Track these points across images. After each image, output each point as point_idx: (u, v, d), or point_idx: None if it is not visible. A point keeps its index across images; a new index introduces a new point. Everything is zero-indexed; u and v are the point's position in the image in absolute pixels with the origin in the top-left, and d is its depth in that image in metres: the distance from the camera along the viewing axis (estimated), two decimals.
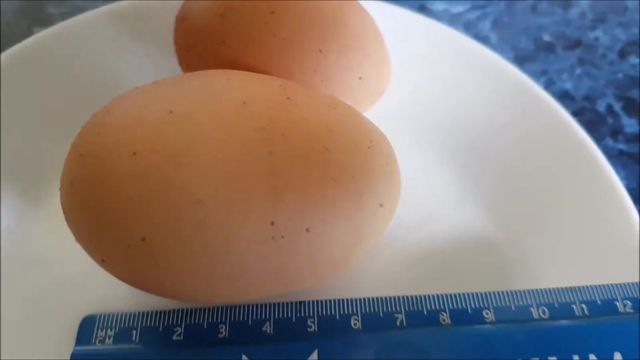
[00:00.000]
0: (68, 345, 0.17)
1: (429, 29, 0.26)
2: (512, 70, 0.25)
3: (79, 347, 0.16)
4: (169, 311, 0.17)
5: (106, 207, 0.14)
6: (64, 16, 0.30)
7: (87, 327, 0.17)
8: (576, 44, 0.32)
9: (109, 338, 0.16)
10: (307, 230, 0.14)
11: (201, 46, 0.19)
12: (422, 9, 0.32)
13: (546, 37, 0.32)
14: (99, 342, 0.16)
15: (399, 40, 0.23)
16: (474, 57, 0.26)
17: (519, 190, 0.23)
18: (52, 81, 0.23)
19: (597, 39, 0.32)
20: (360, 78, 0.21)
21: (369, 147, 0.16)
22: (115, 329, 0.16)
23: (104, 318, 0.17)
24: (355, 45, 0.20)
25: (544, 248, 0.21)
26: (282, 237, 0.14)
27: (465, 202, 0.23)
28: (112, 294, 0.18)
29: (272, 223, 0.14)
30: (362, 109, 0.22)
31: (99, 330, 0.17)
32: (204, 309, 0.17)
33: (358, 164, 0.16)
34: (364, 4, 0.22)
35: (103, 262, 0.15)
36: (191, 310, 0.17)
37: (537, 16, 0.33)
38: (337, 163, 0.15)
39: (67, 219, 0.15)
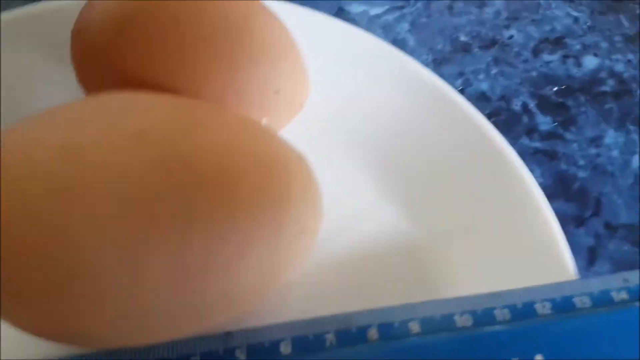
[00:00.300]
0: None
1: (344, 34, 0.27)
2: (426, 74, 0.25)
3: None
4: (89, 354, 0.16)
5: (5, 260, 0.13)
6: None
7: None
8: (492, 43, 0.33)
9: None
10: (220, 266, 0.14)
11: (99, 62, 0.18)
12: (341, 11, 0.32)
13: (463, 38, 0.33)
14: None
15: (313, 46, 0.23)
16: (388, 62, 0.26)
17: (438, 195, 0.23)
18: None
19: (511, 37, 0.33)
20: (276, 92, 0.20)
21: (286, 171, 0.16)
22: None
23: None
24: (268, 55, 0.20)
25: (463, 251, 0.22)
26: (194, 274, 0.14)
27: (387, 208, 0.23)
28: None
29: (182, 262, 0.14)
30: (281, 123, 0.22)
31: None
32: (128, 349, 0.16)
33: (274, 189, 0.16)
34: (274, 6, 0.21)
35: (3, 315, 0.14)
36: (111, 352, 0.16)
37: (454, 16, 0.34)
38: (250, 190, 0.15)
39: None
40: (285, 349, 0.17)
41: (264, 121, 0.21)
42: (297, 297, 0.20)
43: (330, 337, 0.17)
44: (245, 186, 0.15)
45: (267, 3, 0.21)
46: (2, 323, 0.17)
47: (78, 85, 0.20)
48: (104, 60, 0.18)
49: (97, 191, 0.13)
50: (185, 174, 0.14)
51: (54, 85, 0.23)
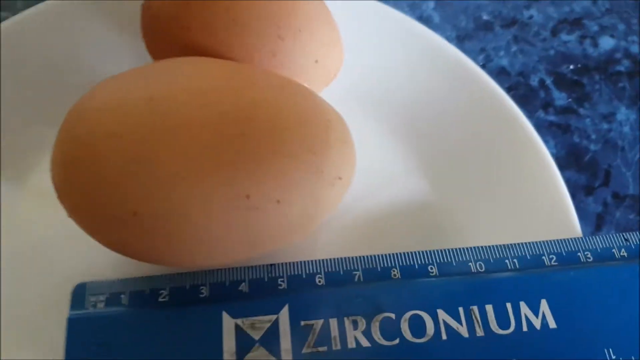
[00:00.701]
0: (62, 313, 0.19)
1: (377, 12, 0.28)
2: (452, 49, 0.27)
3: (73, 312, 0.18)
4: (154, 277, 0.19)
5: (96, 185, 0.16)
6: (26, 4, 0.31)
7: (79, 294, 0.19)
8: (512, 22, 0.35)
9: (101, 302, 0.18)
10: (278, 201, 0.17)
11: (167, 32, 0.21)
12: None
13: (485, 16, 0.35)
14: (92, 306, 0.18)
15: (347, 22, 0.25)
16: (417, 38, 0.28)
17: (458, 160, 0.26)
18: (27, 66, 0.25)
19: (531, 17, 0.35)
20: (316, 61, 0.22)
21: (326, 125, 0.19)
22: (106, 294, 0.18)
23: (94, 286, 0.19)
24: (311, 29, 0.22)
25: (480, 211, 0.24)
26: (257, 208, 0.16)
27: (411, 171, 0.26)
28: (101, 263, 0.20)
29: (247, 196, 0.16)
30: (317, 89, 0.24)
31: (91, 296, 0.18)
32: (186, 274, 0.19)
33: (317, 141, 0.18)
34: None
35: (96, 234, 0.17)
36: (174, 275, 0.19)
37: None
38: (299, 140, 0.17)
39: (59, 197, 0.17)
40: (319, 280, 0.19)
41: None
42: (331, 241, 0.22)
43: (358, 274, 0.19)
44: (296, 137, 0.17)
45: None
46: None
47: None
48: (172, 31, 0.21)
49: (180, 136, 0.16)
50: (245, 123, 0.16)
51: (124, 55, 0.25)
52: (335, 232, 0.23)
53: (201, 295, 0.18)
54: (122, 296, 0.18)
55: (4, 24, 0.24)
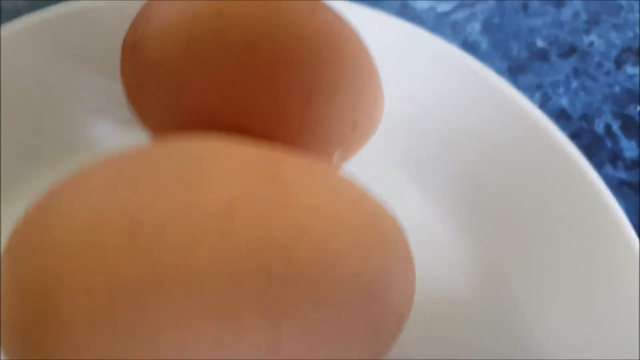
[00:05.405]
0: None
1: (422, 42, 0.23)
2: (505, 87, 0.22)
3: None
4: None
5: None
6: None
7: None
8: (570, 50, 0.29)
9: None
10: None
11: (158, 86, 0.15)
12: (405, 7, 0.29)
13: (539, 43, 0.29)
14: None
15: (386, 52, 0.20)
16: (469, 76, 0.23)
17: (519, 235, 0.21)
18: None
19: (591, 44, 0.30)
20: (354, 124, 0.17)
21: (384, 248, 0.13)
22: None
23: None
24: (348, 82, 0.17)
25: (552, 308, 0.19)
26: None
27: (465, 254, 0.21)
28: None
29: None
30: (353, 153, 0.19)
31: None
32: None
33: (372, 271, 0.13)
34: (338, 6, 0.18)
35: None
36: None
37: (529, 17, 0.30)
38: (347, 276, 0.12)
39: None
40: None
41: (337, 154, 0.18)
42: None
43: None
44: (344, 271, 0.12)
45: (332, 3, 0.18)
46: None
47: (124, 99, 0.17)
48: (165, 84, 0.15)
49: (178, 285, 0.10)
50: (281, 262, 0.11)
51: (89, 93, 0.20)
52: None
53: None
54: None
55: None
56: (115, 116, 0.21)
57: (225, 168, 0.12)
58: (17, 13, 0.26)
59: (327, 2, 0.17)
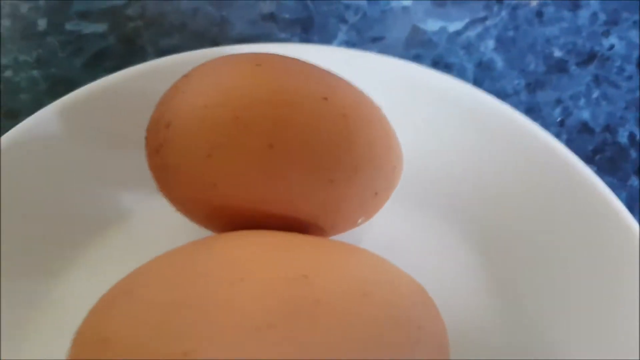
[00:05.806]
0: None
1: (436, 86, 0.23)
2: (522, 121, 0.22)
3: None
4: None
5: None
6: None
7: None
8: (590, 57, 0.29)
9: None
10: None
11: (185, 187, 0.16)
12: (415, 30, 0.29)
13: (557, 53, 0.29)
14: None
15: (389, 97, 0.20)
16: (482, 114, 0.22)
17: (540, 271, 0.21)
18: None
19: (612, 47, 0.29)
20: (375, 194, 0.18)
21: (416, 328, 0.14)
22: None
23: None
24: (369, 160, 0.17)
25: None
26: None
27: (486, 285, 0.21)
28: None
29: None
30: (373, 216, 0.20)
31: None
32: None
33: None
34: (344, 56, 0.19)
35: None
36: None
37: (544, 25, 0.30)
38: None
39: None
40: None
41: (360, 221, 0.19)
42: None
43: None
44: None
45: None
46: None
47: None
48: (191, 186, 0.16)
49: None
50: None
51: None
52: None
53: None
54: None
55: None
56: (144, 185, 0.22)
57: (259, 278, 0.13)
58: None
59: (344, 81, 0.18)
